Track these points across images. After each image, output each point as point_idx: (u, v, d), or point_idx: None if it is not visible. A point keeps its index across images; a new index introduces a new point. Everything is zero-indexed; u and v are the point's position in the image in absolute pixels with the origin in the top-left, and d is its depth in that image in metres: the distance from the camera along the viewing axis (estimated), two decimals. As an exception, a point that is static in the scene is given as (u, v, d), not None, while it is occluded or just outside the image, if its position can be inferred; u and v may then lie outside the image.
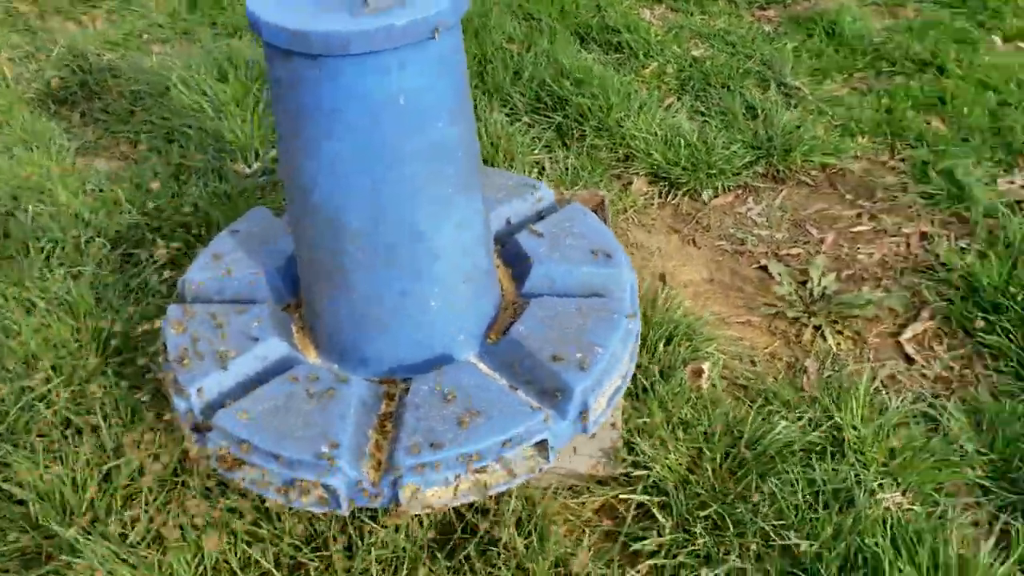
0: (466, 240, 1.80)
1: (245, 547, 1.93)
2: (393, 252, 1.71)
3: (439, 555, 1.92)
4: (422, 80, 1.55)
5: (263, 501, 2.00)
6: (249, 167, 3.14)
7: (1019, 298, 2.43)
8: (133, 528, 2.01)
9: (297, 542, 1.94)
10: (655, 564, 1.92)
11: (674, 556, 1.93)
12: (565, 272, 2.00)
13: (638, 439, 2.11)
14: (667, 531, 1.95)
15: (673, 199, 3.02)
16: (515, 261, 2.08)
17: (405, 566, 1.90)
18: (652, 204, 2.99)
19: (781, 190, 3.06)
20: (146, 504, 2.04)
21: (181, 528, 2.01)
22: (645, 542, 1.94)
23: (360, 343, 1.85)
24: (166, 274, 2.68)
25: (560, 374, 1.76)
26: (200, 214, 2.86)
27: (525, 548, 1.92)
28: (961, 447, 2.15)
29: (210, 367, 1.82)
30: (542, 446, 1.74)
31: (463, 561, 1.90)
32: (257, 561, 1.92)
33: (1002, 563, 1.87)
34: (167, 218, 2.87)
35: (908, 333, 2.51)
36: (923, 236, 2.83)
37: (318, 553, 1.93)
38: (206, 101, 3.42)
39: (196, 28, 4.16)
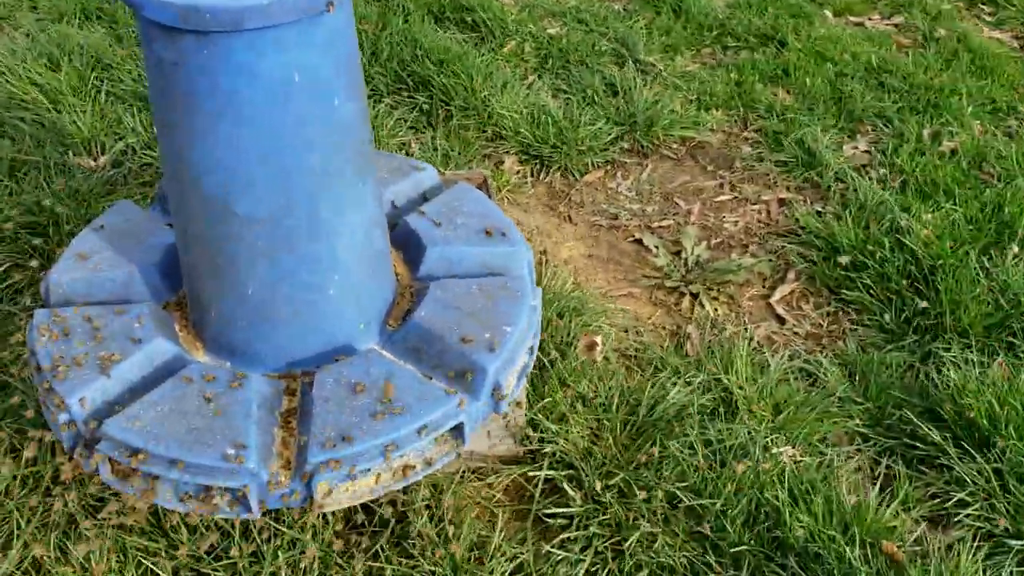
0: (365, 222, 1.73)
1: (141, 560, 1.81)
2: (291, 239, 1.63)
3: (353, 551, 1.86)
4: (318, 55, 1.48)
5: (154, 513, 1.88)
6: (95, 160, 2.93)
7: (877, 256, 2.59)
8: (6, 557, 1.85)
9: (197, 552, 1.83)
10: (568, 537, 1.93)
11: (585, 527, 1.94)
12: (462, 253, 1.97)
13: (540, 416, 2.12)
14: (577, 503, 1.96)
15: (545, 177, 3.04)
16: (407, 244, 2.03)
17: (316, 567, 1.83)
18: (525, 183, 3.00)
19: (647, 164, 3.13)
20: (17, 530, 1.88)
21: (62, 550, 1.86)
22: (557, 512, 1.95)
23: (254, 338, 1.76)
24: (11, 280, 2.47)
25: (470, 355, 1.73)
26: (46, 213, 2.64)
27: (439, 536, 1.89)
28: (839, 399, 2.27)
29: (91, 375, 1.68)
30: (457, 430, 1.71)
31: (377, 554, 1.85)
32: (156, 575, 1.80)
33: (888, 505, 1.99)
34: (6, 219, 2.64)
35: (777, 295, 2.62)
36: (781, 202, 2.96)
37: (222, 562, 1.83)
38: (38, 91, 3.16)
39: (14, 13, 3.83)
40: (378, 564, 1.83)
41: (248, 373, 1.73)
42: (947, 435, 2.13)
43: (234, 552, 1.82)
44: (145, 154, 2.93)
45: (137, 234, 1.99)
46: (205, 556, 1.82)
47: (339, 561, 1.84)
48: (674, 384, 2.24)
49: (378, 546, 1.85)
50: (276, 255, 1.64)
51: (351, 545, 1.87)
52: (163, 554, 1.83)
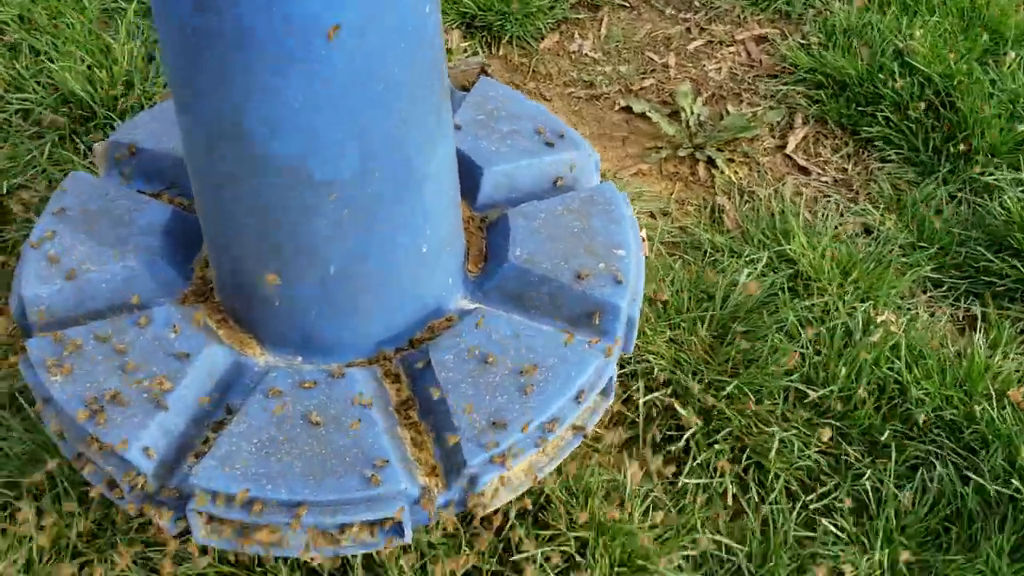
0: (448, 157, 1.39)
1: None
2: (381, 197, 1.27)
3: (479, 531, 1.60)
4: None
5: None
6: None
7: (888, 85, 2.42)
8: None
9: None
10: (698, 463, 1.74)
11: (710, 445, 1.76)
12: (524, 167, 1.65)
13: (618, 332, 1.88)
14: (696, 423, 1.76)
15: (498, 51, 2.68)
16: (450, 167, 1.68)
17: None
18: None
19: (601, 18, 2.81)
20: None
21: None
22: (677, 444, 1.75)
23: (338, 324, 1.41)
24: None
25: (594, 293, 1.45)
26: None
27: (567, 492, 1.65)
28: (900, 247, 2.14)
29: (145, 412, 1.30)
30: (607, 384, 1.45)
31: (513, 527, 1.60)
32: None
33: (992, 351, 1.90)
34: None
35: (791, 144, 2.44)
36: (759, 40, 2.74)
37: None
38: None
39: None
40: (515, 547, 1.58)
41: (344, 369, 1.39)
42: (1024, 264, 2.05)
43: None
44: (14, 99, 2.35)
45: (115, 214, 1.55)
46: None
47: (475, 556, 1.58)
48: (736, 269, 2.04)
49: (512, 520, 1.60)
50: (364, 220, 1.28)
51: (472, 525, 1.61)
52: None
